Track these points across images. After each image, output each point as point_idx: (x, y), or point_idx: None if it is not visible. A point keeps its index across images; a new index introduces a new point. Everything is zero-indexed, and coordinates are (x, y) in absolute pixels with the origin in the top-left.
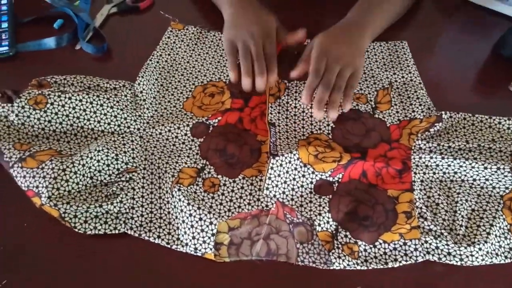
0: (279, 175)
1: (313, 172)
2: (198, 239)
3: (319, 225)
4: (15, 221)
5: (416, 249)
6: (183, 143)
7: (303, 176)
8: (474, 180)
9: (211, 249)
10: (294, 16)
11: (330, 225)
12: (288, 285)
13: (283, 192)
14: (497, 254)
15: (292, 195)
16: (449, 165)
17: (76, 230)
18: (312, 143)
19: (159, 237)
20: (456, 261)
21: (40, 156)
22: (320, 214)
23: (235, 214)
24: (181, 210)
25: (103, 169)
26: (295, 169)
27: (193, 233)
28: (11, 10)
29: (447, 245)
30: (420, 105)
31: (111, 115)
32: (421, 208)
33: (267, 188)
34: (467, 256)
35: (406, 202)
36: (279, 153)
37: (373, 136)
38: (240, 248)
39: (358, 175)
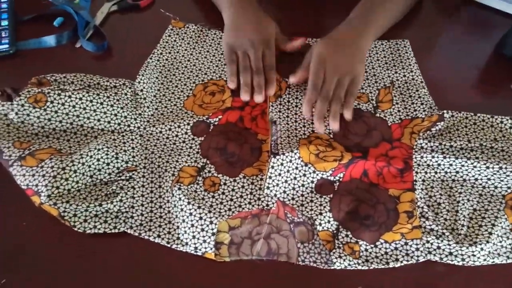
0: (280, 174)
1: (314, 171)
2: (198, 239)
3: (320, 224)
4: (15, 221)
5: (417, 249)
6: (184, 141)
7: (304, 175)
8: (476, 179)
9: (211, 248)
10: (294, 16)
11: (331, 225)
12: (288, 285)
13: (284, 191)
14: (499, 254)
15: (293, 194)
16: (450, 165)
17: (76, 229)
18: (313, 142)
19: (159, 236)
20: (458, 261)
21: (39, 155)
22: (321, 214)
23: (235, 213)
24: (181, 209)
25: (103, 167)
26: (296, 168)
27: (193, 232)
28: (11, 8)
29: (449, 245)
30: (422, 104)
31: (111, 114)
32: (422, 207)
33: (268, 187)
34: (469, 256)
35: (407, 201)
36: (280, 152)
37: (374, 135)
38: (240, 247)
39: (359, 175)
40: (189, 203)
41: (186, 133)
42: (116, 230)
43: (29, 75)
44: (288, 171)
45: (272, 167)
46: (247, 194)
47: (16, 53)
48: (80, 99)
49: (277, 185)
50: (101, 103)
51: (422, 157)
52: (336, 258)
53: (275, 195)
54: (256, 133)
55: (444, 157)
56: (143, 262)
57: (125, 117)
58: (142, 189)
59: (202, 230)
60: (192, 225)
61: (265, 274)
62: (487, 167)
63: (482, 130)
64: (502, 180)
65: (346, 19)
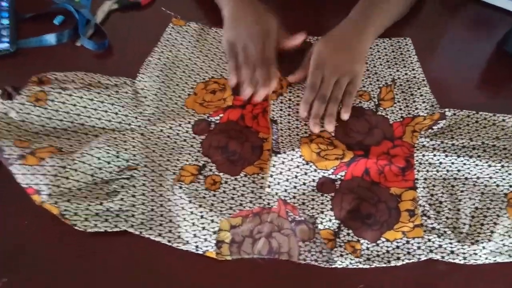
0: (281, 173)
1: (315, 170)
2: (199, 237)
3: (321, 223)
4: (15, 221)
5: (419, 248)
6: (185, 140)
7: (305, 174)
8: (478, 178)
9: (212, 247)
10: (294, 16)
11: (333, 223)
12: (289, 285)
13: (285, 190)
14: (500, 253)
15: (294, 193)
16: (452, 163)
17: (77, 228)
18: (314, 140)
19: (160, 235)
20: (460, 260)
21: (40, 153)
22: (322, 212)
23: (236, 212)
24: (182, 208)
25: (103, 166)
26: (297, 166)
27: (194, 231)
28: (12, 6)
29: (451, 243)
30: (424, 102)
31: (112, 112)
32: (424, 206)
33: (269, 186)
34: (470, 255)
35: (409, 200)
36: (281, 150)
37: (376, 134)
38: (241, 246)
39: (360, 173)
40: (190, 201)
41: (187, 131)
42: (117, 229)
43: (30, 74)
44: (289, 169)
45: (274, 165)
46: (248, 193)
47: (16, 51)
48: (81, 97)
49: (279, 183)
50: (102, 102)
51: (423, 155)
52: (337, 256)
53: (276, 193)
54: (257, 132)
55: (446, 156)
56: (143, 262)
57: (126, 115)
58: (143, 188)
59: (203, 228)
60: (193, 224)
61: (265, 274)
62: (489, 166)
63: (484, 129)
64: (504, 179)
65: (346, 17)
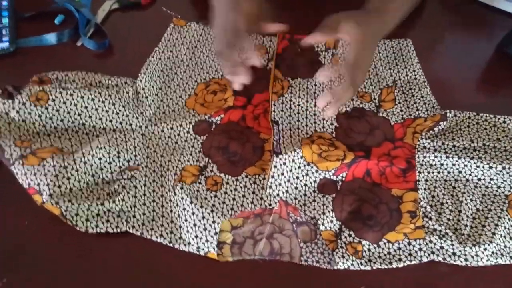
0: (282, 174)
1: (316, 171)
2: (200, 238)
3: (323, 224)
4: (15, 221)
5: (420, 249)
6: (186, 140)
7: (307, 174)
8: (479, 179)
9: (214, 248)
10: (294, 16)
11: (334, 224)
12: (289, 285)
13: (287, 191)
14: (502, 255)
15: (296, 194)
16: (453, 164)
17: (78, 228)
18: (315, 141)
19: (161, 235)
20: (461, 262)
21: (41, 153)
22: (323, 213)
23: (238, 213)
24: (184, 209)
25: (105, 166)
26: (299, 167)
27: (195, 231)
28: (12, 6)
29: (452, 245)
30: (424, 103)
31: (113, 112)
32: (425, 207)
33: (270, 187)
34: (472, 256)
35: (410, 201)
36: (282, 151)
37: (377, 135)
38: (243, 247)
39: (362, 174)
40: (191, 202)
41: (188, 132)
42: (118, 230)
43: (30, 73)
44: (290, 170)
45: (275, 166)
46: (249, 194)
47: (16, 50)
48: (82, 97)
49: (280, 184)
50: (103, 102)
51: (425, 157)
52: (339, 258)
53: (278, 194)
54: (259, 132)
55: (447, 157)
56: (143, 262)
57: (127, 115)
58: (144, 188)
59: (205, 229)
60: (195, 225)
61: (266, 274)
62: (490, 167)
63: (485, 130)
64: (505, 180)
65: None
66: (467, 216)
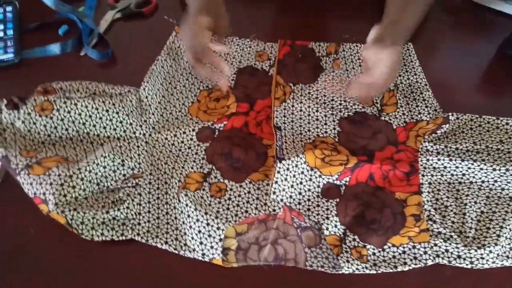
0: (286, 179)
1: (320, 176)
2: (205, 245)
3: (327, 229)
4: (15, 221)
5: (425, 252)
6: (189, 147)
7: (310, 180)
8: (483, 182)
9: (219, 254)
10: (294, 16)
11: (338, 229)
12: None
13: (290, 196)
14: (508, 257)
15: (299, 199)
16: (457, 167)
17: (84, 237)
18: (318, 146)
19: (166, 242)
20: (467, 264)
21: (46, 163)
22: (327, 218)
23: (242, 219)
24: (188, 216)
25: (109, 175)
26: (302, 173)
27: (200, 238)
28: (16, 17)
29: (457, 248)
30: (427, 106)
31: (117, 121)
32: (429, 210)
33: (274, 192)
34: (477, 259)
35: (414, 205)
36: (285, 157)
37: (379, 139)
38: (247, 253)
39: (365, 178)
40: (196, 209)
41: (191, 139)
42: (124, 237)
43: (35, 84)
44: (294, 176)
45: (278, 172)
46: (253, 200)
47: (21, 61)
48: (86, 106)
49: (284, 190)
50: (107, 111)
51: (428, 160)
52: (344, 262)
53: (282, 200)
54: (261, 138)
55: (450, 160)
56: (143, 262)
57: (131, 124)
58: (148, 196)
59: (209, 236)
60: (199, 231)
61: (271, 280)
62: (494, 169)
63: (488, 132)
64: (509, 182)
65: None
66: (472, 219)
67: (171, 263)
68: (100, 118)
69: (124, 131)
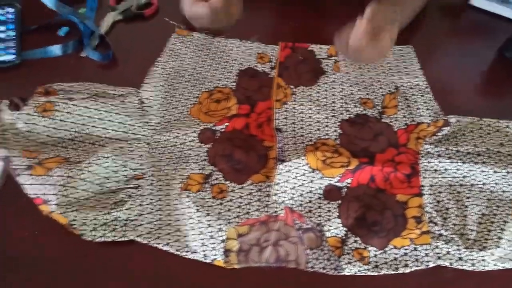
0: (287, 181)
1: (321, 178)
2: (207, 246)
3: (329, 230)
4: (16, 222)
5: (427, 255)
6: (190, 149)
7: (312, 181)
8: (484, 184)
9: (220, 255)
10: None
11: (340, 231)
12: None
13: (292, 198)
14: (509, 259)
15: (301, 201)
16: (458, 169)
17: (85, 238)
18: (319, 148)
19: (167, 244)
20: (468, 266)
21: (48, 164)
22: (329, 220)
23: (243, 221)
24: (190, 217)
25: (111, 176)
26: (303, 174)
27: (202, 239)
28: (18, 18)
29: (458, 250)
30: (427, 109)
31: (117, 122)
32: (431, 213)
33: (276, 194)
34: (478, 261)
35: (415, 207)
36: (286, 158)
37: (380, 141)
38: (249, 254)
39: (366, 180)
40: (197, 210)
41: (192, 140)
42: (125, 238)
43: (36, 85)
44: (295, 177)
45: (280, 173)
46: (255, 201)
47: (22, 63)
48: (87, 107)
49: (285, 191)
50: (108, 112)
51: (429, 162)
52: (345, 264)
53: (283, 201)
54: (263, 140)
55: (451, 162)
56: (144, 263)
57: (132, 125)
58: (150, 197)
59: (211, 237)
60: (201, 233)
61: (272, 281)
62: (495, 172)
63: (488, 135)
64: (510, 184)
65: None
66: (473, 221)
67: (172, 264)
68: (101, 119)
69: (125, 132)
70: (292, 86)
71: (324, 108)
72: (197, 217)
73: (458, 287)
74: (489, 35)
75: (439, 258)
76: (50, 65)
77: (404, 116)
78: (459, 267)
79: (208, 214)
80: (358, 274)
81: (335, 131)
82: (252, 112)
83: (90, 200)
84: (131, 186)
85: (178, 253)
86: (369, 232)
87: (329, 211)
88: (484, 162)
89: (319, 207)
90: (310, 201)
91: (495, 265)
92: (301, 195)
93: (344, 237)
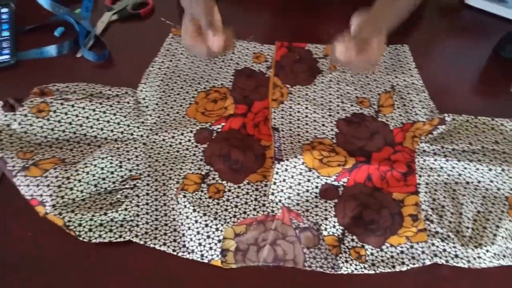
0: (284, 180)
1: (318, 177)
2: (204, 246)
3: (326, 229)
4: (14, 222)
5: (423, 252)
6: (187, 149)
7: (308, 180)
8: (479, 182)
9: (217, 255)
10: (291, 24)
11: (337, 230)
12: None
13: (289, 197)
14: (504, 256)
15: (298, 200)
16: (453, 167)
17: (81, 239)
18: (316, 147)
19: (164, 244)
20: (464, 264)
21: (43, 165)
22: (326, 219)
23: (240, 220)
24: (187, 217)
25: (107, 176)
26: (300, 173)
27: (199, 239)
28: (12, 19)
29: (455, 247)
30: (423, 108)
31: (114, 122)
32: (427, 210)
33: (273, 193)
34: (474, 258)
35: (411, 205)
36: (283, 158)
37: (377, 140)
38: (246, 254)
39: (363, 179)
40: (194, 210)
41: (189, 140)
42: (122, 239)
43: (31, 85)
44: (292, 176)
45: (277, 173)
46: (251, 201)
47: (17, 63)
48: (83, 108)
49: (282, 191)
50: (104, 112)
51: (424, 160)
52: (342, 262)
53: (280, 201)
54: (259, 140)
55: (447, 160)
56: (142, 263)
57: (128, 125)
58: (146, 197)
59: (208, 237)
60: (198, 233)
61: (270, 281)
62: (490, 169)
63: (483, 133)
64: (504, 182)
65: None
66: (469, 219)
67: (172, 264)
68: (97, 120)
69: (122, 133)
70: (288, 86)
71: (320, 107)
72: (194, 217)
73: (454, 285)
74: (485, 34)
75: (435, 255)
76: (46, 65)
77: (400, 115)
78: (455, 264)
79: (205, 214)
80: (355, 272)
81: (332, 130)
82: (249, 111)
83: (86, 201)
84: (128, 186)
85: (175, 253)
86: (366, 230)
87: (326, 210)
88: (479, 160)
89: (316, 206)
90: (307, 200)
91: (490, 262)
92: (298, 194)
93: (341, 236)
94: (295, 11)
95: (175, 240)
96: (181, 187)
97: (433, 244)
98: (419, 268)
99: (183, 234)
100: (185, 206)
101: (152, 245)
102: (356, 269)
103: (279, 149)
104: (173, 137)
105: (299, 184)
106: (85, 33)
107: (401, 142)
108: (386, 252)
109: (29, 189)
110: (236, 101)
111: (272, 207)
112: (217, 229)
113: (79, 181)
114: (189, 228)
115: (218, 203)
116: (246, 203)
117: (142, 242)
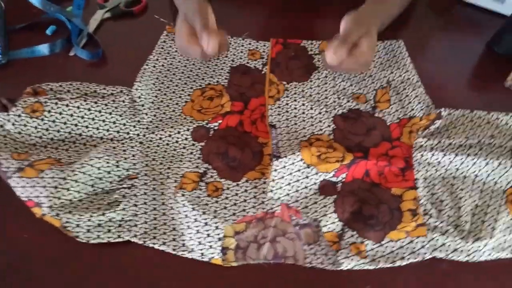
0: (282, 177)
1: (316, 173)
2: (204, 245)
3: (325, 225)
4: (15, 221)
5: (423, 247)
6: (184, 147)
7: (307, 177)
8: (476, 175)
9: (218, 254)
10: (287, 20)
11: (336, 225)
12: (293, 286)
13: (288, 194)
14: (503, 249)
15: (297, 197)
16: (451, 162)
17: (79, 239)
18: (314, 144)
19: (164, 243)
20: (463, 257)
21: (39, 165)
22: (325, 215)
23: (240, 218)
24: (186, 216)
25: (104, 176)
26: (299, 170)
27: (199, 238)
28: (3, 17)
29: (454, 241)
30: (419, 103)
31: (109, 121)
32: (425, 205)
33: (271, 191)
34: (473, 252)
35: (410, 200)
36: (281, 154)
37: (374, 135)
38: (247, 252)
39: (361, 175)
40: (193, 209)
41: (186, 138)
42: (120, 239)
43: (23, 85)
44: (291, 173)
45: (275, 170)
46: (250, 198)
47: (8, 63)
48: (78, 107)
49: (281, 188)
50: (99, 111)
51: (422, 155)
52: (343, 258)
53: (279, 198)
54: (257, 137)
55: (444, 155)
56: (143, 262)
57: (124, 124)
58: (144, 197)
59: (208, 236)
60: (198, 231)
61: (271, 278)
62: (487, 163)
63: (479, 127)
64: (501, 175)
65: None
66: (467, 212)
67: (172, 264)
68: (93, 119)
69: (118, 132)
70: (284, 82)
71: (317, 103)
72: (193, 215)
73: (454, 279)
74: (478, 29)
75: (435, 249)
76: (38, 64)
77: (397, 110)
78: (455, 258)
79: (204, 213)
80: (356, 268)
81: (329, 126)
82: (246, 109)
83: (84, 201)
84: (125, 186)
85: (175, 252)
86: (365, 226)
87: (325, 206)
88: (476, 154)
89: (315, 202)
90: (306, 197)
91: (489, 255)
92: (297, 191)
93: (340, 232)
94: (290, 10)
95: (174, 239)
96: (179, 185)
97: (432, 239)
98: (419, 263)
99: (183, 233)
100: (183, 205)
101: (151, 245)
102: (357, 264)
103: (276, 146)
104: (169, 135)
105: (298, 181)
106: (77, 31)
107: (399, 137)
108: (386, 247)
109: (25, 190)
110: (232, 98)
111: (272, 204)
112: (216, 228)
113: (76, 181)
114: (188, 227)
115: (217, 201)
116: (245, 200)
117: (141, 242)
